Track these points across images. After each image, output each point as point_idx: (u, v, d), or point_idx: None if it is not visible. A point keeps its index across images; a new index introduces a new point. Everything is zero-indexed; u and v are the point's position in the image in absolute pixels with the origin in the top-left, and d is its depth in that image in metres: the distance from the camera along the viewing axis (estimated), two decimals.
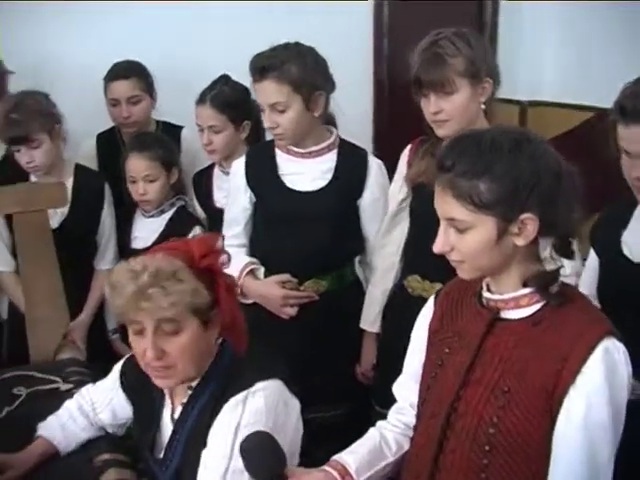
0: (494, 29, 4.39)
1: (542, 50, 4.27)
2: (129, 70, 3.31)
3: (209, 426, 1.83)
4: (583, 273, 2.27)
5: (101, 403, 2.14)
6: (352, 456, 1.75)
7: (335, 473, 1.70)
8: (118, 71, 3.31)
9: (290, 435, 1.87)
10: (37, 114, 2.98)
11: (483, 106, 2.43)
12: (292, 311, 2.71)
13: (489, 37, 4.37)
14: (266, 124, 2.63)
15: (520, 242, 1.56)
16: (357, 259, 2.91)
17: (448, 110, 2.36)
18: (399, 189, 2.63)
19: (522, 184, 1.52)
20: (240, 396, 1.81)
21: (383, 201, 2.72)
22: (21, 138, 2.94)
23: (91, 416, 2.16)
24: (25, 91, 3.10)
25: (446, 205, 1.58)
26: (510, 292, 1.62)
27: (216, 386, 1.87)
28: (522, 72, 4.31)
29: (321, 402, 2.67)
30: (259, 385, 1.82)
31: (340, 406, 2.72)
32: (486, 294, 1.67)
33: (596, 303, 2.05)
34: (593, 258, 2.27)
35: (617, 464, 1.57)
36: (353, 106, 4.07)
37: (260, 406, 1.80)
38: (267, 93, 2.56)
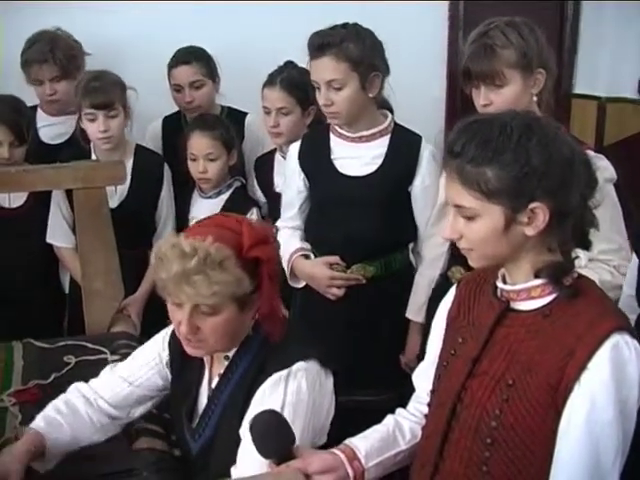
0: (575, 25, 4.29)
1: (623, 47, 4.17)
2: (190, 55, 3.37)
3: (246, 400, 1.86)
4: (629, 271, 2.21)
5: (142, 368, 2.10)
6: (363, 441, 1.76)
7: (343, 456, 1.71)
8: (180, 57, 3.38)
9: (324, 413, 1.91)
10: (117, 84, 3.10)
11: (535, 98, 2.37)
12: (339, 292, 2.74)
13: (570, 33, 4.28)
14: (320, 102, 2.64)
15: (530, 232, 1.52)
16: (411, 247, 2.90)
17: (498, 103, 2.31)
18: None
19: (531, 172, 1.48)
20: (282, 374, 1.83)
21: (435, 189, 2.69)
22: (103, 104, 3.03)
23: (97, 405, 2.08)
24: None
25: (454, 192, 1.56)
26: (522, 283, 1.58)
27: (254, 358, 1.91)
28: (602, 68, 4.24)
29: (365, 387, 2.71)
30: (300, 365, 1.85)
31: (384, 392, 2.72)
32: (499, 284, 1.64)
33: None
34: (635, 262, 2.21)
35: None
36: (426, 98, 4.12)
37: (302, 386, 1.83)
38: (324, 70, 2.58)
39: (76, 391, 2.09)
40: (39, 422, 1.99)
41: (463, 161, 1.52)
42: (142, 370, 2.09)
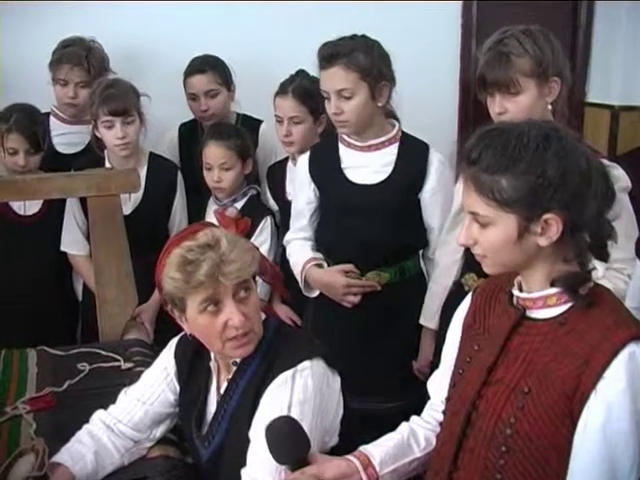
0: (588, 31, 4.29)
1: (637, 55, 4.16)
2: (206, 64, 3.38)
3: (255, 404, 1.88)
4: (631, 284, 2.19)
5: (152, 386, 2.13)
6: (377, 448, 1.76)
7: (357, 463, 1.71)
8: (195, 66, 3.39)
9: (332, 412, 1.93)
10: (132, 91, 3.12)
11: (550, 106, 2.36)
12: (355, 299, 2.75)
13: (583, 39, 4.28)
14: (330, 111, 2.66)
15: (543, 242, 1.52)
16: (421, 253, 2.91)
17: (513, 111, 2.30)
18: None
19: (546, 183, 1.47)
20: (288, 373, 1.85)
21: (443, 195, 2.72)
22: (120, 111, 3.05)
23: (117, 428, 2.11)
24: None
25: (469, 199, 1.56)
26: (538, 291, 1.58)
27: (260, 362, 1.92)
28: (616, 76, 4.22)
29: (377, 393, 2.73)
30: (305, 364, 1.87)
31: (396, 399, 2.73)
32: (515, 292, 1.64)
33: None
34: None
35: None
36: (438, 104, 4.12)
37: (308, 385, 1.85)
38: (334, 79, 2.60)
39: (97, 420, 2.12)
40: (65, 457, 2.01)
41: (479, 169, 1.52)
42: (152, 387, 2.12)
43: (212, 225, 1.99)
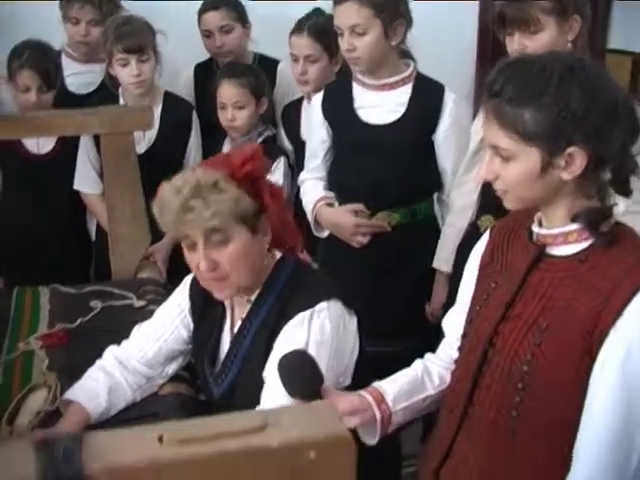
0: None
1: None
2: (219, 1, 3.35)
3: (269, 345, 1.87)
4: None
5: (165, 322, 2.11)
6: (391, 384, 1.74)
7: (370, 398, 1.69)
8: (208, 3, 3.37)
9: (348, 353, 1.92)
10: (147, 28, 3.08)
11: (570, 44, 2.32)
12: (363, 239, 2.74)
13: None
14: (343, 47, 2.63)
15: (566, 176, 1.48)
16: (435, 197, 2.88)
17: (533, 49, 2.25)
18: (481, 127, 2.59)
19: (570, 115, 1.43)
20: (305, 314, 1.83)
21: (457, 137, 2.69)
22: (136, 48, 3.00)
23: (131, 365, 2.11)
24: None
25: (491, 132, 1.52)
26: (559, 227, 1.55)
27: (275, 301, 1.91)
28: (637, 21, 4.11)
29: (387, 336, 2.70)
30: (323, 305, 1.85)
31: (404, 341, 2.71)
32: (535, 228, 1.60)
33: None
34: None
35: None
36: (457, 44, 4.07)
37: (325, 327, 1.83)
38: (348, 14, 2.56)
39: (110, 356, 2.11)
40: (78, 394, 2.01)
41: (501, 101, 1.48)
42: (166, 324, 2.10)
43: (213, 163, 1.90)
